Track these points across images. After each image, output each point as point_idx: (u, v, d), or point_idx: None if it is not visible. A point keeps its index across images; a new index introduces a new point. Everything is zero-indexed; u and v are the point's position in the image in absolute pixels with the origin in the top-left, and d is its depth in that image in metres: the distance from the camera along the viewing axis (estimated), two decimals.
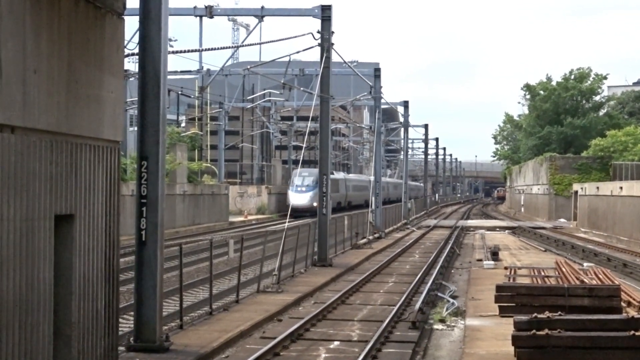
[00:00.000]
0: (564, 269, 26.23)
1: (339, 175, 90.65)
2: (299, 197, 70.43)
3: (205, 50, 36.01)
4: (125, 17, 13.70)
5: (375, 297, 23.65)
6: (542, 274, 26.93)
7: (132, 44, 29.25)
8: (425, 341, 17.46)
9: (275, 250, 25.66)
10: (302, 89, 51.53)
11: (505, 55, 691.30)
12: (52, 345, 11.33)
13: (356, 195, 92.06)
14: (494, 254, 34.64)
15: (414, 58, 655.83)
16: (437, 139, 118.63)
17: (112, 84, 13.13)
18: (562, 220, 72.33)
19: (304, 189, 72.60)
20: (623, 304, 19.02)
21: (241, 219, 65.33)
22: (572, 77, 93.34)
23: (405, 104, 70.90)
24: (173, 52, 30.68)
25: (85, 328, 12.29)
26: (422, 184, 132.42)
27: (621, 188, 50.42)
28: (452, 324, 19.36)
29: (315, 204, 66.06)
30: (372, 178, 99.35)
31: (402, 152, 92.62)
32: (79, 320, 12.07)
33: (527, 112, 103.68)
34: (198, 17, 36.22)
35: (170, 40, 49.04)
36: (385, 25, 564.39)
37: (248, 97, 73.53)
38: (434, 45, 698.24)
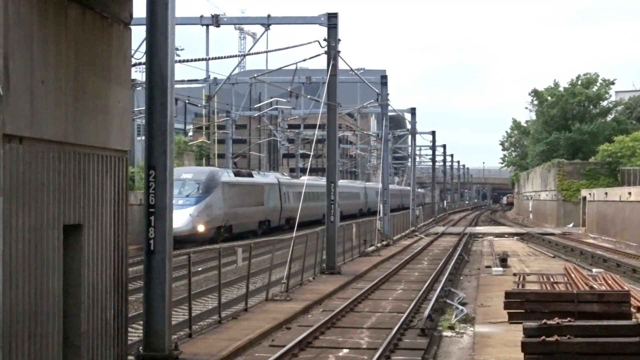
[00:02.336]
0: (573, 275, 26.12)
1: (270, 177, 59.72)
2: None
3: (212, 59, 36.01)
4: (132, 27, 13.75)
5: (384, 304, 23.62)
6: (551, 280, 26.84)
7: (139, 53, 29.36)
8: (435, 348, 17.41)
9: (284, 259, 25.66)
10: (309, 96, 51.55)
11: (512, 61, 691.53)
12: (61, 355, 11.35)
13: (310, 208, 58.20)
14: (503, 261, 34.55)
15: (420, 64, 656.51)
16: (444, 146, 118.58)
17: (120, 94, 13.18)
18: (571, 226, 72.17)
19: (181, 201, 42.60)
20: (633, 310, 18.94)
21: None
22: (579, 82, 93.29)
23: (413, 111, 70.86)
24: (180, 61, 30.74)
25: (94, 337, 12.31)
26: (423, 191, 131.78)
27: (630, 193, 50.29)
28: (461, 331, 19.31)
29: (202, 229, 43.13)
30: (339, 183, 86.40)
31: (409, 160, 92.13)
32: (88, 329, 12.09)
33: (534, 118, 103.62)
34: (205, 26, 36.26)
35: (177, 49, 49.19)
36: (392, 32, 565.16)
37: (255, 106, 73.53)
38: (440, 51, 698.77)
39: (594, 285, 22.64)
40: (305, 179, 67.92)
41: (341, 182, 78.41)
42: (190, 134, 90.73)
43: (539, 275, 28.85)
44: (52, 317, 11.03)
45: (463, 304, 22.99)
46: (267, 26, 34.47)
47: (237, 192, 48.02)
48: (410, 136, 78.00)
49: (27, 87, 10.40)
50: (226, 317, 19.67)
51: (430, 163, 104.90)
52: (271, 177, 59.04)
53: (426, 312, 19.89)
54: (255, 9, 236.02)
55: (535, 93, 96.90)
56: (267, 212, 55.07)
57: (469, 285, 28.95)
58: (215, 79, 48.67)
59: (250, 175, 53.25)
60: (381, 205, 50.03)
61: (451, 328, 19.53)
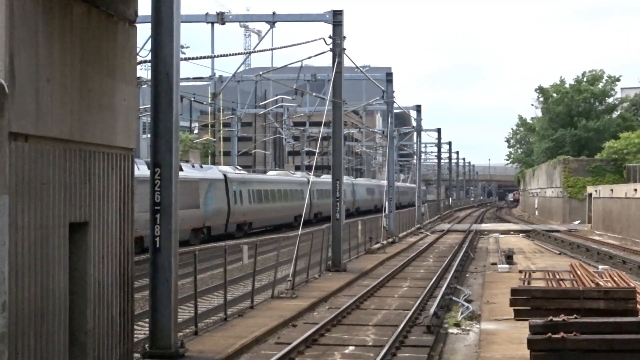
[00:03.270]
0: (579, 272, 26.08)
1: (212, 172, 47.72)
2: None
3: (218, 56, 36.00)
4: (137, 25, 13.75)
5: (390, 301, 23.60)
6: (557, 277, 26.79)
7: (144, 51, 29.36)
8: (441, 345, 17.41)
9: (289, 256, 25.65)
10: (314, 94, 51.53)
11: (517, 58, 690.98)
12: (67, 353, 11.36)
13: (277, 210, 53.64)
14: (509, 258, 34.53)
15: (425, 62, 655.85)
16: (450, 143, 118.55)
17: (125, 92, 13.18)
18: (577, 223, 72.08)
19: None
20: (639, 307, 18.91)
21: None
22: (585, 79, 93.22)
23: (418, 108, 70.81)
24: (185, 59, 30.72)
25: (100, 335, 12.32)
26: (425, 188, 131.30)
27: (635, 190, 50.21)
28: (467, 328, 19.31)
29: None
30: (319, 179, 63.61)
31: (415, 157, 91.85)
32: (94, 327, 12.10)
33: (540, 114, 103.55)
34: (210, 24, 36.34)
35: (183, 47, 49.21)
36: (397, 29, 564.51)
37: (260, 103, 73.58)
38: (446, 49, 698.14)
39: (600, 282, 22.61)
40: (273, 173, 62.67)
41: (323, 178, 67.13)
42: (196, 131, 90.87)
43: (544, 272, 28.79)
44: (58, 314, 11.05)
45: (469, 301, 22.98)
46: (272, 24, 34.48)
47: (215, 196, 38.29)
48: (415, 133, 78.04)
49: (32, 85, 10.41)
50: (232, 314, 19.69)
51: (436, 160, 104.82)
52: (214, 172, 47.19)
53: (432, 310, 19.88)
54: (260, 7, 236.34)
55: (541, 90, 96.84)
56: (206, 216, 42.79)
57: (474, 283, 28.93)
58: (220, 76, 48.71)
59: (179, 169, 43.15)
60: (386, 203, 50.02)
61: (457, 325, 19.53)
